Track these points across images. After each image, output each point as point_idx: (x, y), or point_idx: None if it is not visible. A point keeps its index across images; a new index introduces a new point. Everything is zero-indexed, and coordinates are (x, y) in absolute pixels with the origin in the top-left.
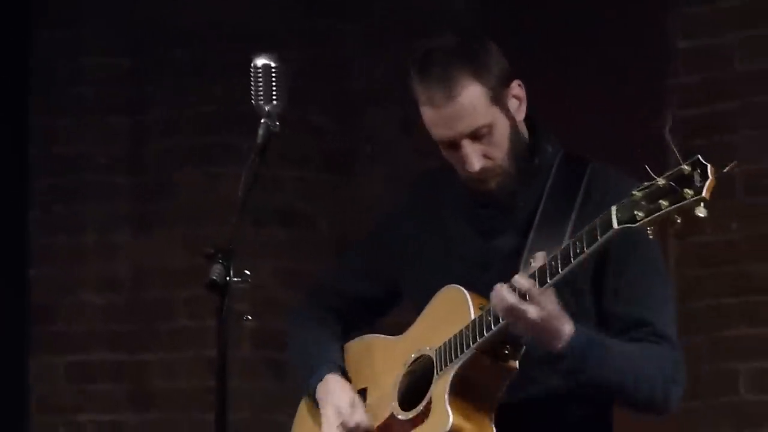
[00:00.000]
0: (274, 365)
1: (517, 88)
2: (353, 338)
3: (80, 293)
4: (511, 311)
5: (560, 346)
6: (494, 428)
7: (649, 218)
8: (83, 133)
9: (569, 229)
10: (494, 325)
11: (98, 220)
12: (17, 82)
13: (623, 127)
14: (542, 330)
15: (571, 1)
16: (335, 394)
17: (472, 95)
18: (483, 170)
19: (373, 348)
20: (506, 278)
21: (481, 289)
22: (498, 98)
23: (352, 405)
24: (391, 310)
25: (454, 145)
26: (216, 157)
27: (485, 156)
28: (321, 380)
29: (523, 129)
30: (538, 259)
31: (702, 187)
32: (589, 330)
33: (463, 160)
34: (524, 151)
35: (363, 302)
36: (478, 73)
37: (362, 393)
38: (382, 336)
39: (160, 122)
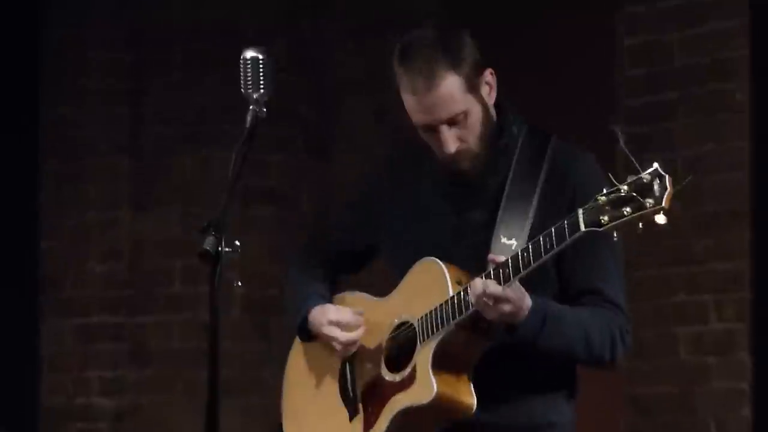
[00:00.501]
0: (260, 328)
1: (489, 76)
2: (339, 291)
3: (86, 264)
4: (487, 308)
5: (518, 320)
6: (473, 391)
7: (613, 224)
8: (88, 120)
9: (534, 203)
10: (472, 306)
11: (101, 198)
12: (29, 75)
13: (575, 116)
14: (510, 315)
15: (527, 5)
16: (325, 311)
17: (450, 85)
18: (458, 152)
19: (358, 306)
20: (478, 249)
21: (455, 259)
22: (472, 86)
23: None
24: (372, 261)
25: (432, 129)
26: (208, 141)
27: (460, 139)
28: (311, 308)
29: (493, 112)
30: (500, 258)
31: (662, 198)
32: (546, 303)
33: (439, 143)
34: (494, 133)
35: (347, 256)
36: (455, 64)
37: None
38: (366, 295)
39: (158, 110)
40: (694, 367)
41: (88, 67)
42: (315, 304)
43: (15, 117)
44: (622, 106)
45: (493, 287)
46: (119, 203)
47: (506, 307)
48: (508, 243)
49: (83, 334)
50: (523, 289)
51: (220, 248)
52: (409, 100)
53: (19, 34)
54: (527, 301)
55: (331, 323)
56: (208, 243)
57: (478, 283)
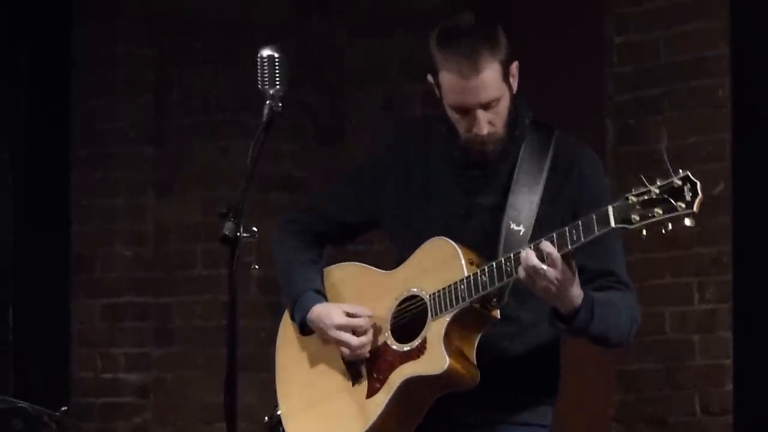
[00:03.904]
0: (276, 307)
1: (514, 68)
2: (331, 263)
3: (113, 246)
4: (534, 271)
5: (571, 308)
6: (476, 362)
7: (644, 222)
8: (116, 110)
9: (541, 190)
10: (489, 286)
11: (128, 184)
12: (61, 68)
13: (569, 109)
14: (558, 292)
15: (525, 7)
16: (326, 316)
17: (493, 71)
18: (488, 134)
19: (361, 276)
20: (485, 231)
21: (462, 239)
22: (506, 75)
23: (347, 315)
24: (363, 235)
25: (467, 110)
26: (227, 132)
27: (490, 123)
28: (308, 310)
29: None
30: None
31: (693, 203)
32: (587, 291)
33: (472, 124)
34: (512, 122)
35: (343, 228)
36: (496, 52)
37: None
38: (365, 265)
39: (181, 102)
40: (680, 345)
41: (116, 62)
42: (314, 302)
43: (48, 108)
44: (612, 101)
45: (548, 244)
46: (144, 190)
47: (552, 273)
48: (516, 229)
49: (111, 313)
50: (569, 269)
51: (238, 233)
52: (452, 82)
53: (52, 30)
54: (577, 292)
55: (340, 327)
56: (227, 228)
57: (528, 251)
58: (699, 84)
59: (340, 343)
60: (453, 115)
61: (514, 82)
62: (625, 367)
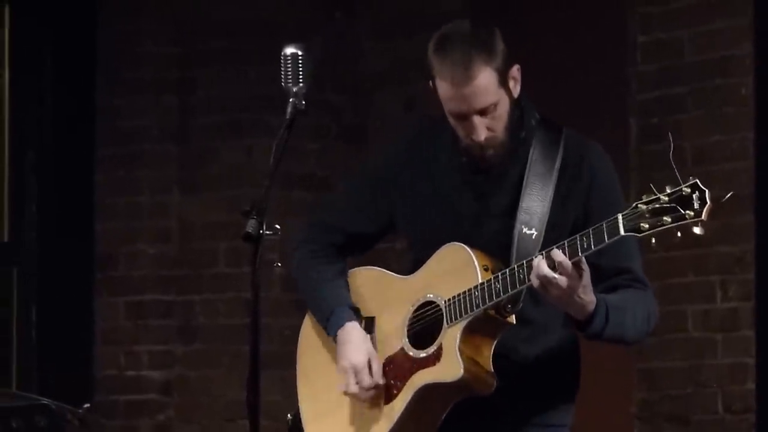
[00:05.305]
0: (299, 305)
1: (515, 71)
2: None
3: (137, 244)
4: (547, 280)
5: (585, 314)
6: (492, 368)
7: (653, 231)
8: (140, 109)
9: (552, 192)
10: (503, 293)
11: (152, 182)
12: (86, 68)
13: (593, 108)
14: (571, 299)
15: (547, 6)
16: (354, 345)
17: (487, 78)
18: (486, 140)
19: (379, 282)
20: (498, 235)
21: (475, 243)
22: (503, 80)
23: (368, 363)
24: (381, 241)
25: (464, 117)
26: (251, 130)
27: (489, 129)
28: (341, 326)
29: (515, 105)
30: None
31: (701, 211)
32: (602, 296)
33: (470, 131)
34: (516, 125)
35: (359, 237)
36: (491, 58)
37: (370, 321)
38: (386, 271)
39: (204, 101)
40: (702, 343)
41: (140, 61)
42: (347, 319)
43: (73, 107)
44: (635, 100)
45: (559, 252)
46: (168, 188)
47: (563, 281)
48: (528, 233)
49: (135, 311)
50: (581, 275)
51: (261, 231)
52: (446, 89)
53: (78, 32)
54: (591, 298)
55: (352, 367)
56: (251, 226)
57: (539, 259)
58: (723, 83)
59: (343, 376)
60: (452, 121)
61: (515, 86)
62: (648, 366)
